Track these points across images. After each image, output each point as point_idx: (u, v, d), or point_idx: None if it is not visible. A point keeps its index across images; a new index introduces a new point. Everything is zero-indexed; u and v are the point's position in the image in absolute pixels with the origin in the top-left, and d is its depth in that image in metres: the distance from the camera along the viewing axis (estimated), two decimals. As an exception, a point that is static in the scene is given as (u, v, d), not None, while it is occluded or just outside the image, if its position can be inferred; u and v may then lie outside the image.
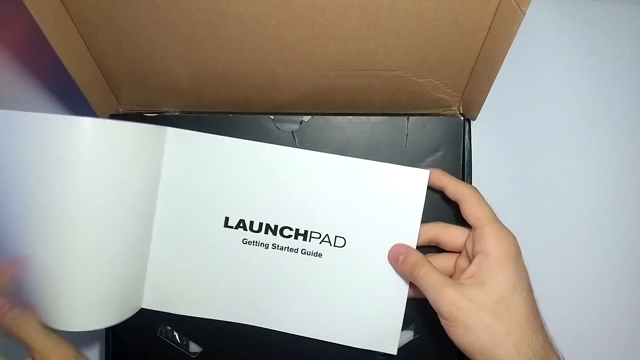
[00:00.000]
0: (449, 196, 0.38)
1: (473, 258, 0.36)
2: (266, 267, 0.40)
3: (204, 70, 0.39)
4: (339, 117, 0.42)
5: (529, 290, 0.35)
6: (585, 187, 0.49)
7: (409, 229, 0.39)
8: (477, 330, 0.33)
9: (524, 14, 0.32)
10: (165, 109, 0.43)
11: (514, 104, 0.49)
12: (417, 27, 0.35)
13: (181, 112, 0.43)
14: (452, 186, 0.38)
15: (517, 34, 0.33)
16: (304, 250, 0.40)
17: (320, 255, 0.40)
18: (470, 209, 0.36)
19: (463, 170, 0.42)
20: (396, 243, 0.39)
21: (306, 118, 0.42)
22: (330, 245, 0.39)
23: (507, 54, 0.35)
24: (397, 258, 0.38)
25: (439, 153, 0.42)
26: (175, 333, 0.42)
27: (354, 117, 0.42)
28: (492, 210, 0.36)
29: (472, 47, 0.37)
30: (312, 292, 0.40)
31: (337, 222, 0.39)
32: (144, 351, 0.42)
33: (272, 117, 0.42)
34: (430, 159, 0.42)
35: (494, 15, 0.34)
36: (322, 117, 0.42)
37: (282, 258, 0.40)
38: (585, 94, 0.49)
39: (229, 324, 0.41)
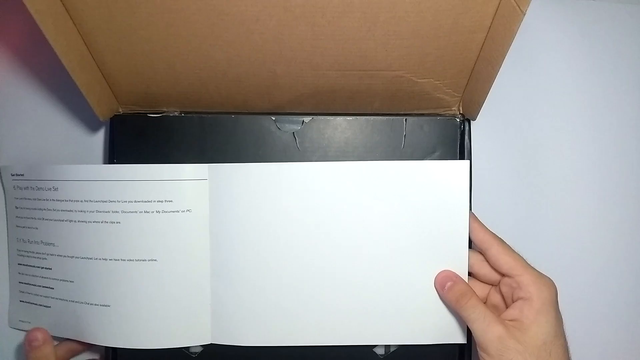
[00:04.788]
0: (473, 241, 0.39)
1: (513, 302, 0.36)
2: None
3: (204, 70, 0.39)
4: (338, 118, 0.42)
5: (565, 336, 0.36)
6: (585, 187, 0.49)
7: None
8: None
9: (524, 14, 0.32)
10: (165, 109, 0.43)
11: (514, 104, 0.49)
12: (417, 27, 0.35)
13: (181, 113, 0.43)
14: (480, 233, 0.38)
15: (517, 34, 0.33)
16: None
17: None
18: (502, 258, 0.37)
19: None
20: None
21: (307, 119, 0.42)
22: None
23: (507, 54, 0.35)
24: (443, 285, 0.38)
25: (437, 154, 0.42)
26: None
27: (353, 118, 0.42)
28: (523, 257, 0.37)
29: (472, 47, 0.37)
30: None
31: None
32: (145, 350, 0.42)
33: (273, 117, 0.42)
34: (428, 160, 0.42)
35: (494, 15, 0.34)
36: (322, 118, 0.42)
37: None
38: (586, 93, 0.49)
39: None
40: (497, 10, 0.34)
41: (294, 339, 0.40)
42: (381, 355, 0.42)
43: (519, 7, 0.32)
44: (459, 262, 0.39)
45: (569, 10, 0.50)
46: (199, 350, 0.42)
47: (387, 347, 0.42)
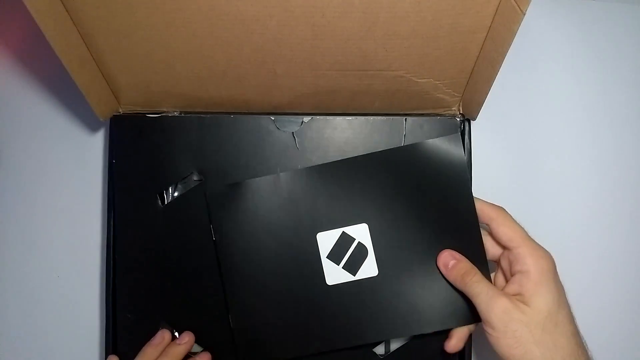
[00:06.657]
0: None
1: (511, 276, 0.36)
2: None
3: (204, 70, 0.39)
4: (338, 118, 0.42)
5: (569, 305, 0.35)
6: (585, 187, 0.49)
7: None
8: (527, 343, 0.33)
9: (524, 14, 0.32)
10: (165, 109, 0.43)
11: (514, 104, 0.49)
12: (417, 27, 0.35)
13: (181, 113, 0.43)
14: (480, 208, 0.38)
15: (517, 34, 0.33)
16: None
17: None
18: (502, 230, 0.37)
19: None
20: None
21: (306, 119, 0.42)
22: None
23: (507, 54, 0.35)
24: (447, 264, 0.38)
25: None
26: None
27: (353, 118, 0.42)
28: (524, 229, 0.37)
29: (472, 47, 0.37)
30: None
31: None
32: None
33: (272, 117, 0.42)
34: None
35: (494, 15, 0.34)
36: (322, 118, 0.42)
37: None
38: (585, 93, 0.49)
39: (228, 323, 0.41)
40: (497, 10, 0.34)
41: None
42: (381, 355, 0.42)
43: (519, 7, 0.32)
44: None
45: (569, 10, 0.50)
46: (198, 350, 0.42)
47: (387, 347, 0.42)
